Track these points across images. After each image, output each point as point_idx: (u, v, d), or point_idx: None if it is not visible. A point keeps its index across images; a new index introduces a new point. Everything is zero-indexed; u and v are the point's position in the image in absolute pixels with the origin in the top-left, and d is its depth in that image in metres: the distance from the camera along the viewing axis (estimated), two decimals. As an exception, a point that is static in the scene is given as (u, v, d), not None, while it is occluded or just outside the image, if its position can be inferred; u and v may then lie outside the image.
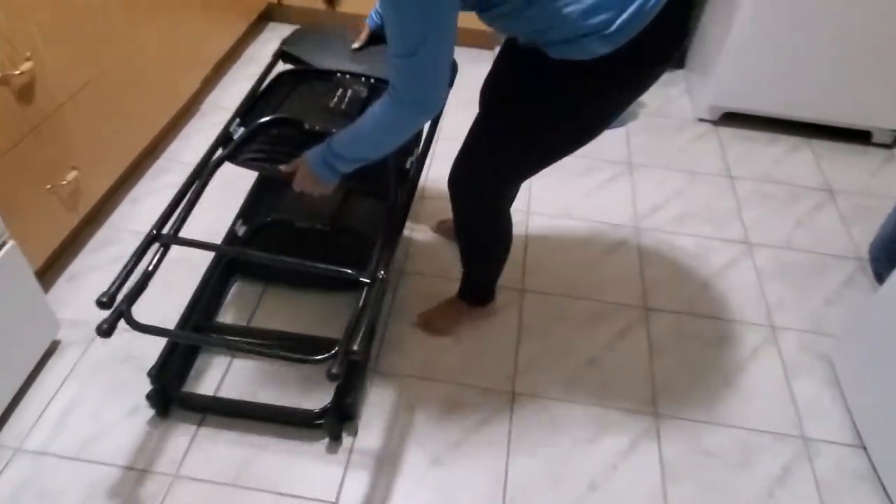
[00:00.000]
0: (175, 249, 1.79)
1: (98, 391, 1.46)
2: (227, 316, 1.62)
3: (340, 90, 1.48)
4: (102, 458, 1.34)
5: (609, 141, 2.25)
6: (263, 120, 1.39)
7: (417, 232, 1.88)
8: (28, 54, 1.44)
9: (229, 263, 1.65)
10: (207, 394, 1.42)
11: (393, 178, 1.44)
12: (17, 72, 1.41)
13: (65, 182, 1.61)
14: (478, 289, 1.62)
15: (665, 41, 1.15)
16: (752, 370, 1.58)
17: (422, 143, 1.60)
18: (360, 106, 1.43)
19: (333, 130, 1.25)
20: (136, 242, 1.83)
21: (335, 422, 1.34)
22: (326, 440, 1.39)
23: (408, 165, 1.52)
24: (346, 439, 1.40)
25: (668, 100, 2.47)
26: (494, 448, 1.41)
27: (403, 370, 1.53)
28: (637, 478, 1.37)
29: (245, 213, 1.74)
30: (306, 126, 1.35)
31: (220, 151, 1.43)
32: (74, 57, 1.59)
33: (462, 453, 1.39)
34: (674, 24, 1.15)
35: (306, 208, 1.68)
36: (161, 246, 1.33)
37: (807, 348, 1.64)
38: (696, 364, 1.59)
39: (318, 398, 1.45)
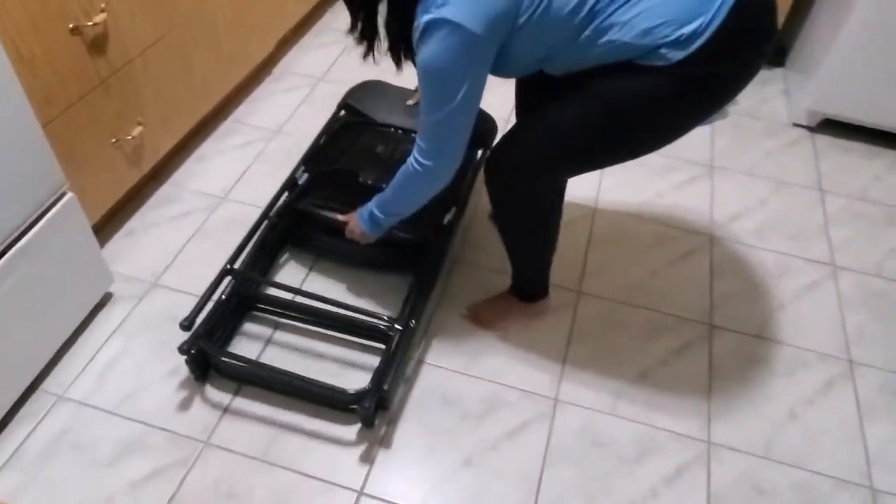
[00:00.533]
0: (228, 208, 1.81)
1: (142, 348, 1.47)
2: (273, 288, 1.60)
3: (393, 144, 1.65)
4: (138, 416, 1.35)
5: (691, 139, 2.08)
6: (324, 171, 1.60)
7: (476, 220, 1.81)
8: (103, 6, 1.44)
9: (283, 231, 1.63)
10: (244, 365, 1.41)
11: (429, 230, 1.53)
12: (90, 23, 1.41)
13: (130, 137, 1.61)
14: (527, 284, 1.53)
15: (746, 43, 1.10)
16: (822, 406, 1.45)
17: (461, 198, 1.65)
18: None
19: (384, 186, 1.37)
20: (197, 202, 1.87)
21: (369, 409, 1.30)
22: (359, 426, 1.36)
23: (445, 221, 1.58)
24: (379, 427, 1.36)
25: (762, 100, 2.28)
26: (530, 455, 1.34)
27: (446, 363, 1.48)
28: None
29: (308, 160, 1.69)
30: (360, 179, 1.54)
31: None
32: (148, 12, 1.59)
33: (496, 457, 1.33)
34: (753, 24, 1.10)
35: (371, 162, 1.61)
36: (233, 279, 1.47)
37: (887, 388, 1.48)
38: (758, 394, 1.47)
39: (356, 380, 1.42)
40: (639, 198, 1.91)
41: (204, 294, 1.41)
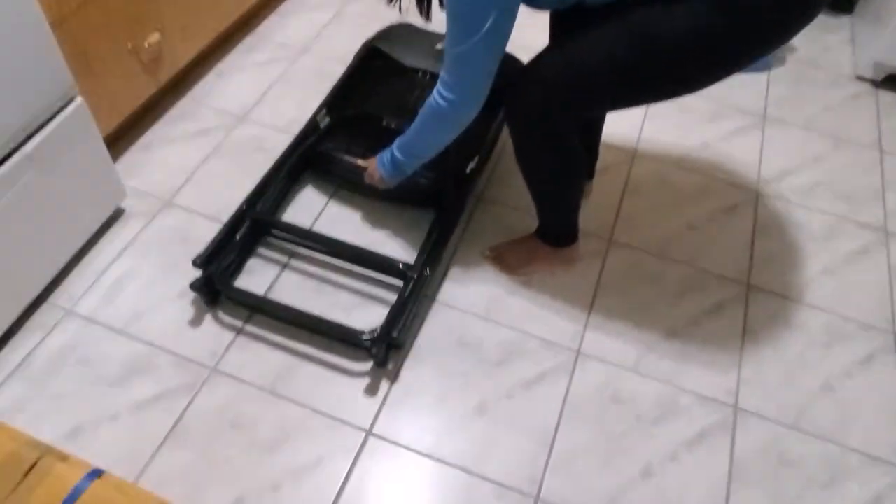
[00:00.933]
0: (247, 130, 1.72)
1: (152, 267, 1.42)
2: (290, 215, 1.53)
3: (420, 89, 1.56)
4: (146, 337, 1.31)
5: (745, 85, 1.96)
6: (346, 114, 1.52)
7: (503, 157, 1.71)
8: None
9: (302, 159, 1.55)
10: (257, 292, 1.35)
11: (450, 180, 1.46)
12: (105, -86, 1.30)
13: (147, 45, 1.52)
14: (553, 228, 1.44)
15: None
16: (860, 380, 1.36)
17: (484, 148, 1.56)
18: None
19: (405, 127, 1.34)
20: (215, 120, 1.78)
21: (382, 348, 1.24)
22: (371, 364, 1.31)
23: (468, 170, 1.50)
24: (392, 367, 1.31)
25: (824, 48, 2.11)
26: (547, 408, 1.28)
27: (465, 305, 1.41)
28: (696, 478, 1.22)
29: (330, 103, 1.61)
30: (384, 123, 1.46)
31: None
32: None
33: (511, 406, 1.28)
34: None
35: (396, 106, 1.54)
36: (249, 220, 1.41)
37: (932, 367, 1.40)
38: (795, 362, 1.38)
39: (372, 314, 1.36)
40: (683, 145, 1.79)
41: (219, 234, 1.36)
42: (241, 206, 1.41)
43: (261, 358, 1.30)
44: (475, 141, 1.59)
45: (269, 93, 1.81)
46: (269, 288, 1.40)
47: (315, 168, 1.59)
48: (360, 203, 1.57)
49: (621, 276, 1.50)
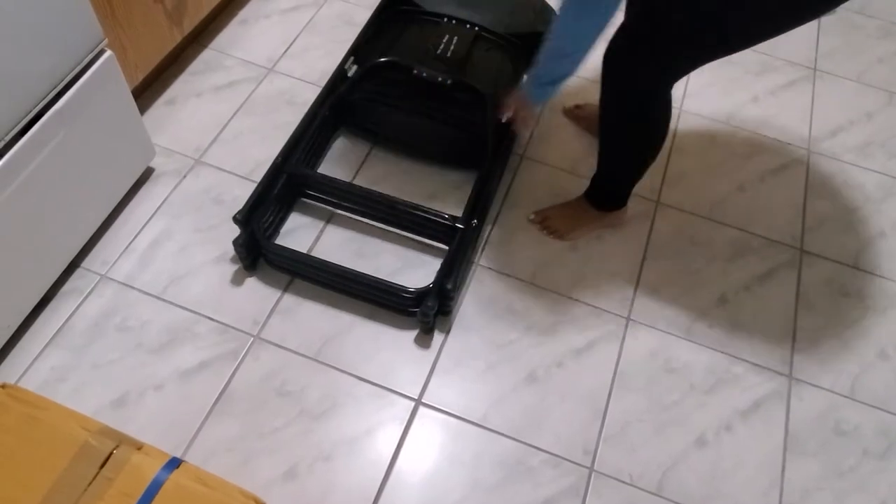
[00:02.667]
0: (275, 82, 1.64)
1: (187, 230, 1.37)
2: (326, 171, 1.47)
3: (447, 36, 1.49)
4: (185, 303, 1.27)
5: (793, 36, 1.85)
6: (375, 62, 1.41)
7: (549, 113, 1.64)
8: None
9: (337, 110, 1.47)
10: (299, 250, 1.30)
11: (489, 130, 1.37)
12: None
13: (171, -10, 1.43)
14: (609, 191, 1.39)
15: None
16: (916, 348, 1.34)
17: None
18: (463, 55, 1.45)
19: (439, 79, 1.36)
20: (242, 72, 1.69)
21: (432, 308, 1.20)
22: (417, 331, 1.27)
23: (504, 119, 1.38)
24: (439, 335, 1.28)
25: (876, -5, 2.00)
26: (598, 377, 1.26)
27: (510, 270, 1.37)
28: (751, 448, 1.20)
29: (357, 51, 1.53)
30: (415, 71, 1.38)
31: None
32: None
33: (562, 375, 1.25)
34: None
35: (425, 56, 1.47)
36: (286, 175, 1.34)
37: None
38: (849, 328, 1.35)
39: (416, 279, 1.32)
40: (731, 100, 1.71)
41: (256, 188, 1.29)
42: (277, 159, 1.34)
43: (304, 325, 1.27)
44: (510, 88, 1.53)
45: (296, 42, 1.72)
46: (311, 248, 1.36)
47: (348, 120, 1.52)
48: (398, 163, 1.50)
49: (669, 239, 1.45)
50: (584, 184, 1.43)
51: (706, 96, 1.70)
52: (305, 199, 1.42)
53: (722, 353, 1.30)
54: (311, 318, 1.28)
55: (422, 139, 1.46)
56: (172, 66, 1.63)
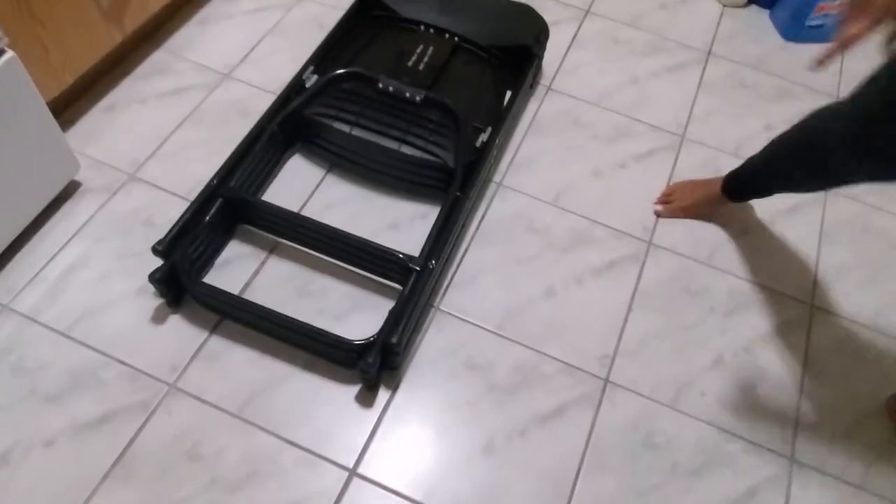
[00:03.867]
0: (231, 90, 1.48)
1: (108, 257, 1.20)
2: (273, 196, 1.30)
3: (422, 46, 1.39)
4: (94, 343, 1.11)
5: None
6: (336, 73, 1.29)
7: (528, 136, 1.46)
8: None
9: (289, 126, 1.31)
10: (230, 290, 1.13)
11: (460, 154, 1.24)
12: None
13: (107, -16, 1.27)
14: (748, 187, 1.27)
15: None
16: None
17: (498, 116, 1.37)
18: (439, 67, 1.35)
19: (407, 95, 1.25)
20: (194, 78, 1.53)
21: (373, 365, 1.03)
22: (359, 387, 1.10)
23: (478, 143, 1.30)
24: (384, 392, 1.10)
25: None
26: (566, 449, 1.08)
27: (474, 316, 1.19)
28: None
29: (318, 59, 1.37)
30: (380, 84, 1.27)
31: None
32: None
33: (525, 446, 1.07)
34: None
35: (395, 67, 1.33)
36: (221, 200, 1.17)
37: None
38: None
39: (366, 323, 1.14)
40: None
41: (184, 214, 1.12)
42: (212, 181, 1.17)
43: (229, 374, 1.09)
44: (487, 107, 1.36)
45: (259, 46, 1.56)
46: (244, 287, 1.19)
47: (302, 138, 1.35)
48: (357, 188, 1.33)
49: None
50: (568, 217, 1.29)
51: (711, 124, 1.53)
52: (247, 226, 1.25)
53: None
54: (238, 366, 1.11)
55: (385, 163, 1.29)
56: (117, 68, 1.47)
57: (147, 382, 1.08)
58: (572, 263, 1.28)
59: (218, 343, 1.12)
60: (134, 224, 1.24)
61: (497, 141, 1.31)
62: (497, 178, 1.39)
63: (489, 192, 1.36)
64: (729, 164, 1.29)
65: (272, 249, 1.24)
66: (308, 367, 1.11)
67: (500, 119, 1.35)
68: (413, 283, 1.09)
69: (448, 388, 1.12)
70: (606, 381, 1.15)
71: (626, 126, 1.50)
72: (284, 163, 1.36)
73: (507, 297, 1.22)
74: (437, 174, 1.27)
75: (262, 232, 1.24)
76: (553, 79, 1.57)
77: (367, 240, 1.14)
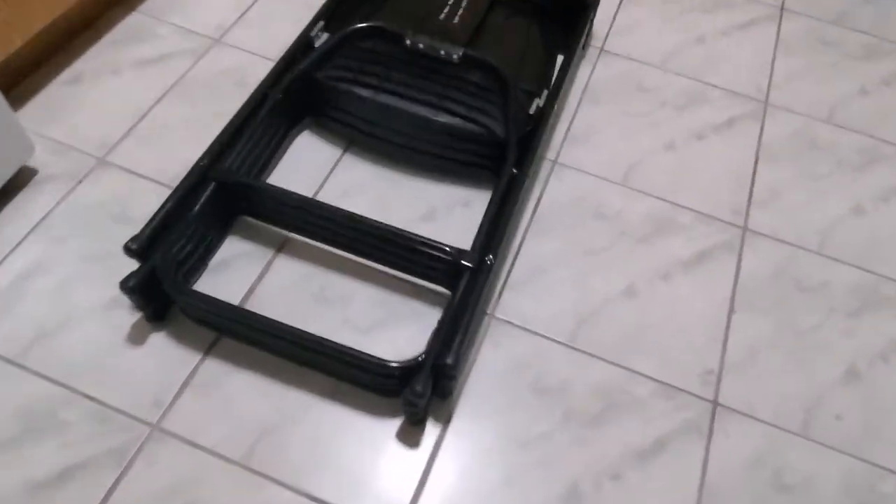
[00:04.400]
0: (223, 56, 1.23)
1: (72, 259, 0.95)
2: (279, 181, 1.05)
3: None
4: (54, 372, 0.85)
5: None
6: (354, 28, 1.03)
7: (583, 105, 1.22)
8: None
9: (297, 95, 1.05)
10: (229, 300, 0.87)
11: (512, 125, 0.99)
12: None
13: (66, -80, 1.01)
14: None
15: None
16: None
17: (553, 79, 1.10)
18: (476, 22, 1.12)
19: (442, 53, 1.00)
20: (179, 43, 1.26)
21: (422, 396, 0.77)
22: (401, 421, 0.85)
23: (532, 110, 1.04)
24: (433, 427, 0.85)
25: None
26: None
27: (540, 325, 0.94)
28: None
29: (328, 14, 1.12)
30: (408, 41, 1.01)
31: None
32: None
33: (624, 492, 0.82)
34: None
35: (420, 20, 1.09)
36: (215, 184, 0.92)
37: None
38: None
39: (405, 337, 0.89)
40: None
41: (163, 206, 0.87)
42: (201, 160, 0.92)
43: (230, 410, 0.84)
44: (537, 69, 1.12)
45: (256, 5, 1.30)
46: (247, 295, 0.93)
47: (313, 109, 1.10)
48: (382, 170, 1.08)
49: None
50: (642, 200, 1.03)
51: None
52: (248, 217, 1.00)
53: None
54: (241, 398, 0.85)
55: (417, 135, 1.04)
56: (85, 33, 1.21)
57: (122, 423, 0.82)
58: (654, 255, 1.03)
59: (214, 368, 0.87)
60: (103, 219, 0.99)
61: (555, 107, 1.06)
62: (551, 154, 1.14)
63: (543, 172, 1.12)
64: (824, 133, 1.07)
65: (281, 247, 0.98)
66: (333, 395, 0.86)
67: (554, 83, 1.10)
68: (467, 284, 0.84)
69: (514, 419, 0.86)
70: (715, 403, 0.90)
71: (698, 91, 1.26)
72: (291, 141, 1.10)
73: (578, 300, 0.97)
74: (482, 149, 1.02)
75: (267, 225, 0.99)
76: (606, 39, 1.33)
77: (403, 231, 0.89)
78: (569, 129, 1.18)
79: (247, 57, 1.21)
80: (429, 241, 0.87)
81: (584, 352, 0.93)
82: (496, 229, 0.90)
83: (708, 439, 0.87)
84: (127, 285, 0.81)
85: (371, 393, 0.86)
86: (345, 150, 1.10)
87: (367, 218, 0.90)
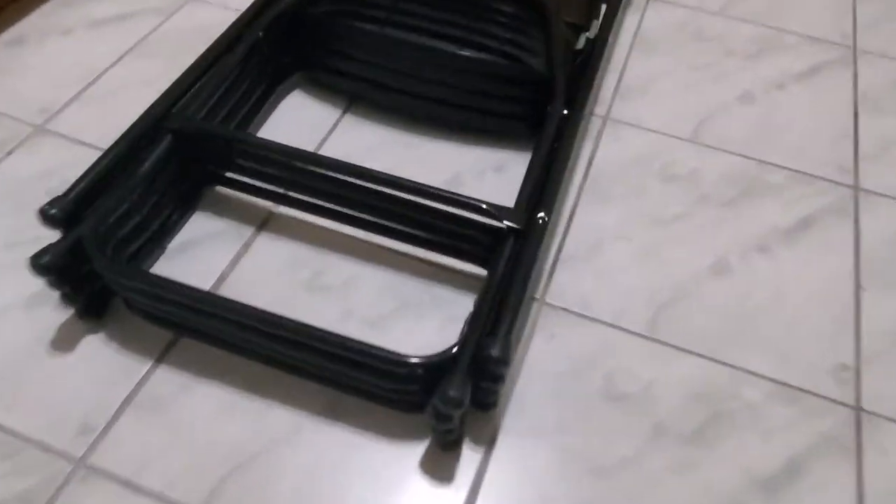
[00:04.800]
0: (197, 13, 1.02)
1: (-9, 246, 0.73)
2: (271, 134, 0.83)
3: None
4: (-51, 391, 0.62)
5: None
6: None
7: (641, 53, 1.00)
8: None
9: (283, 36, 0.84)
10: (197, 286, 0.63)
11: (557, 61, 0.76)
12: None
13: None
14: None
15: None
16: None
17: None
18: None
19: None
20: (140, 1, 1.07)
21: (451, 415, 0.54)
22: (427, 443, 0.61)
23: (581, 44, 0.84)
24: (471, 452, 0.61)
25: None
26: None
27: (601, 307, 0.71)
28: None
29: None
30: None
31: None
32: None
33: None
34: None
35: None
36: (171, 134, 0.69)
37: None
38: None
39: (423, 336, 0.66)
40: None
41: (99, 161, 0.65)
42: (153, 107, 0.70)
43: (188, 438, 0.60)
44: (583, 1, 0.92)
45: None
46: (216, 286, 0.70)
47: (305, 54, 0.88)
48: (393, 129, 0.87)
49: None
50: (723, 158, 0.81)
51: None
52: (220, 188, 0.78)
53: None
54: (204, 418, 0.61)
55: (436, 81, 0.82)
56: (33, -7, 1.02)
57: (35, 458, 0.58)
58: (744, 223, 0.80)
59: (168, 380, 0.63)
60: (38, 195, 0.77)
61: (609, 40, 0.84)
62: (600, 110, 0.92)
63: (593, 129, 0.89)
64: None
65: (263, 224, 0.76)
66: (331, 413, 0.62)
67: (610, 9, 0.88)
68: (512, 252, 0.61)
69: (585, 438, 0.62)
70: (858, 409, 0.65)
71: (770, 38, 1.04)
72: (277, 103, 0.89)
73: (652, 280, 0.74)
74: (521, 91, 0.80)
75: (244, 196, 0.77)
76: (652, -14, 1.12)
77: (425, 184, 0.66)
78: (619, 81, 0.96)
79: (225, 14, 1.01)
80: (458, 197, 0.64)
81: (668, 344, 0.69)
82: (548, 181, 0.67)
83: (857, 460, 0.62)
84: (39, 262, 0.58)
85: (384, 407, 0.62)
86: (346, 110, 0.88)
87: (377, 172, 0.67)
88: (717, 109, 0.93)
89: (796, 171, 0.86)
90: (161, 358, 0.65)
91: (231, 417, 0.61)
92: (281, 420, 0.61)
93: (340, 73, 0.86)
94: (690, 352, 0.68)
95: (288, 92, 0.90)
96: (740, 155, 0.87)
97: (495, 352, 0.54)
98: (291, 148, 0.69)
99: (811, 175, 0.85)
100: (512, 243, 0.62)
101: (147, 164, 0.66)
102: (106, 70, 0.92)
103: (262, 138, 0.72)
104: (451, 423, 0.55)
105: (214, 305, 0.59)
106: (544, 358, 0.67)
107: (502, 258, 0.61)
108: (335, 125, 0.87)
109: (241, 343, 0.63)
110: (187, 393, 0.63)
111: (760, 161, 0.86)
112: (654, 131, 0.89)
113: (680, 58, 1.00)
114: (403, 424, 0.61)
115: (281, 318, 0.57)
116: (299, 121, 0.87)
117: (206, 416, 0.61)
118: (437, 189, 0.65)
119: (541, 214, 0.63)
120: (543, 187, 0.66)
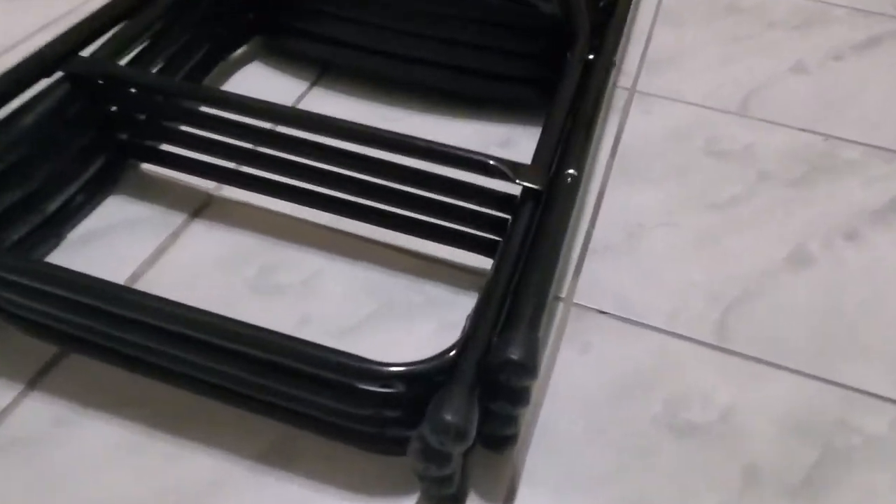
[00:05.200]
0: None
1: None
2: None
3: None
4: None
5: None
6: None
7: (667, 22, 0.85)
8: None
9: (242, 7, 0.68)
10: (109, 278, 0.45)
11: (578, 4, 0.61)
12: None
13: None
14: None
15: None
16: None
17: None
18: None
19: None
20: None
21: (448, 454, 0.35)
22: (415, 500, 0.41)
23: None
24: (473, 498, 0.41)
25: None
26: None
27: (642, 306, 0.52)
28: None
29: None
30: None
31: None
32: None
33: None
34: None
35: None
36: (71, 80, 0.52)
37: None
38: None
39: (410, 344, 0.47)
40: None
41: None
42: (45, 48, 0.53)
43: (69, 497, 0.41)
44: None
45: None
46: (134, 277, 0.52)
47: (265, 24, 0.72)
48: (377, 98, 0.70)
49: None
50: (780, 132, 0.65)
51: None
52: (146, 165, 0.60)
53: None
54: (93, 467, 0.42)
55: (424, 39, 0.66)
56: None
57: None
58: (825, 202, 0.63)
59: (40, 412, 0.44)
60: None
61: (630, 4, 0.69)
62: (625, 81, 0.76)
63: (617, 102, 0.73)
64: None
65: (199, 209, 0.58)
66: (275, 456, 0.43)
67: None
68: (530, 220, 0.43)
69: (649, 494, 0.43)
70: None
71: (815, 11, 0.89)
72: (229, 75, 0.72)
73: (710, 273, 0.56)
74: (529, 44, 0.63)
75: (173, 173, 0.59)
76: (672, -39, 0.98)
77: (419, 137, 0.48)
78: (644, 52, 0.80)
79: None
80: (456, 152, 0.47)
81: (747, 356, 0.50)
82: (573, 133, 0.49)
83: None
84: None
85: (351, 446, 0.43)
86: (315, 81, 0.72)
87: (367, 127, 0.49)
88: (768, 81, 0.77)
89: (873, 146, 0.69)
90: (34, 383, 0.45)
91: (125, 464, 0.42)
92: (200, 468, 0.42)
93: (309, 36, 0.70)
94: (778, 366, 0.50)
95: (244, 63, 0.74)
96: (802, 129, 0.70)
97: (517, 354, 0.35)
98: (240, 96, 0.52)
99: (892, 151, 0.69)
100: (531, 210, 0.44)
101: (30, 119, 0.49)
102: (30, 37, 0.75)
103: (198, 85, 0.54)
104: (448, 466, 0.36)
105: (106, 296, 0.41)
106: (578, 375, 0.48)
107: (519, 228, 0.43)
108: (300, 98, 0.70)
109: (151, 358, 0.44)
110: (70, 432, 0.44)
111: (828, 136, 0.70)
112: (694, 104, 0.73)
113: (712, 30, 0.85)
114: (379, 472, 0.42)
115: (207, 314, 0.38)
116: (257, 95, 0.70)
117: (89, 464, 0.42)
118: (426, 142, 0.47)
119: (570, 171, 0.45)
120: (569, 141, 0.49)
